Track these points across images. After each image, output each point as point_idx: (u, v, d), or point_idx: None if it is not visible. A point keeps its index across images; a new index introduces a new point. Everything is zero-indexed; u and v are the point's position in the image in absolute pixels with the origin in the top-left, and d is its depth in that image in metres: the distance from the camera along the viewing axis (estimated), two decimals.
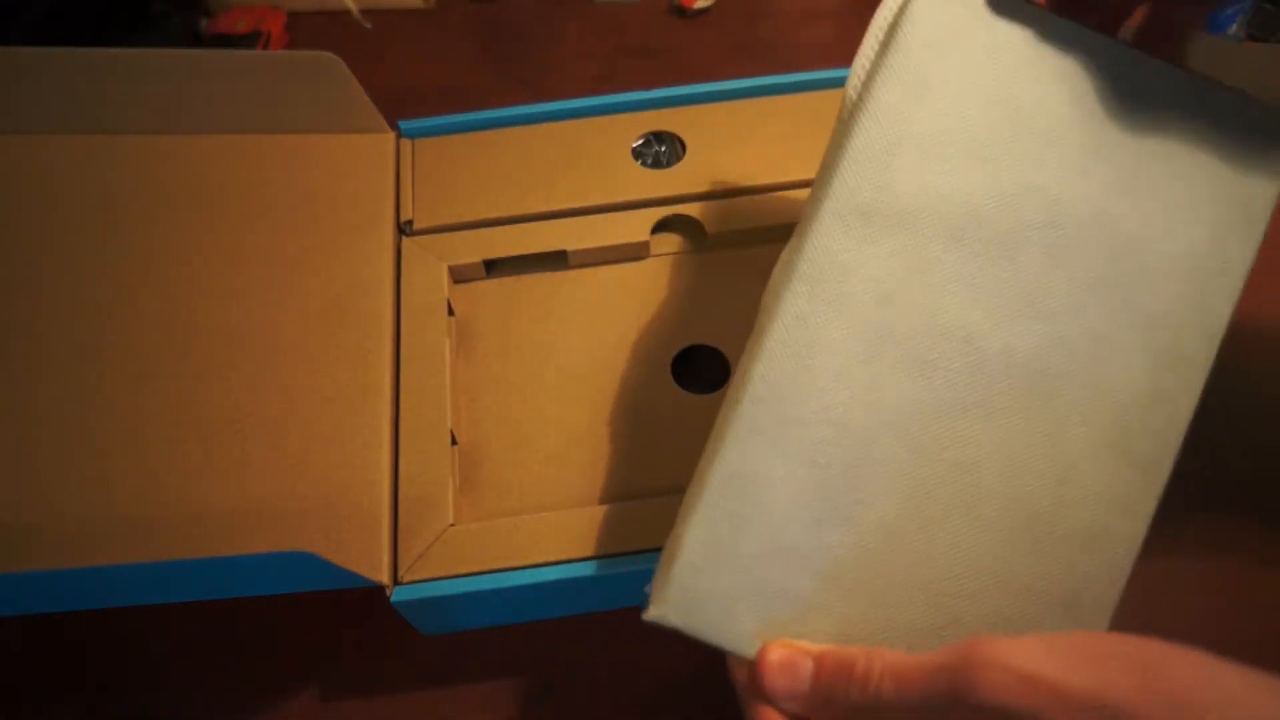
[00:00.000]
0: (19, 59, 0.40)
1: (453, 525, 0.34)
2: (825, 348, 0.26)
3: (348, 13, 0.63)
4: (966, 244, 0.26)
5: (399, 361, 0.37)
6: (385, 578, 0.32)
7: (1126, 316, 0.26)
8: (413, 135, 0.45)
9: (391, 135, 0.44)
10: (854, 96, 0.27)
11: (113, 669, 0.38)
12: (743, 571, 0.25)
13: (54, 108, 0.41)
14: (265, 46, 0.60)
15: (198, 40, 0.60)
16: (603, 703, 0.36)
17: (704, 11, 0.62)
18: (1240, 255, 0.27)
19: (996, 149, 0.27)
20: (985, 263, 0.26)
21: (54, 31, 0.53)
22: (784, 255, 0.27)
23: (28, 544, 0.33)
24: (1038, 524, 0.26)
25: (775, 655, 0.24)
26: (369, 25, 0.63)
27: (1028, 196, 0.27)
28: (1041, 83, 0.27)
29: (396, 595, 0.32)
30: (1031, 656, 0.21)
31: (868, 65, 0.27)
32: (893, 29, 0.27)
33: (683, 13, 0.62)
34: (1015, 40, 0.27)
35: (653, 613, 0.25)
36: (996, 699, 0.20)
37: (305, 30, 0.62)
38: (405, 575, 0.32)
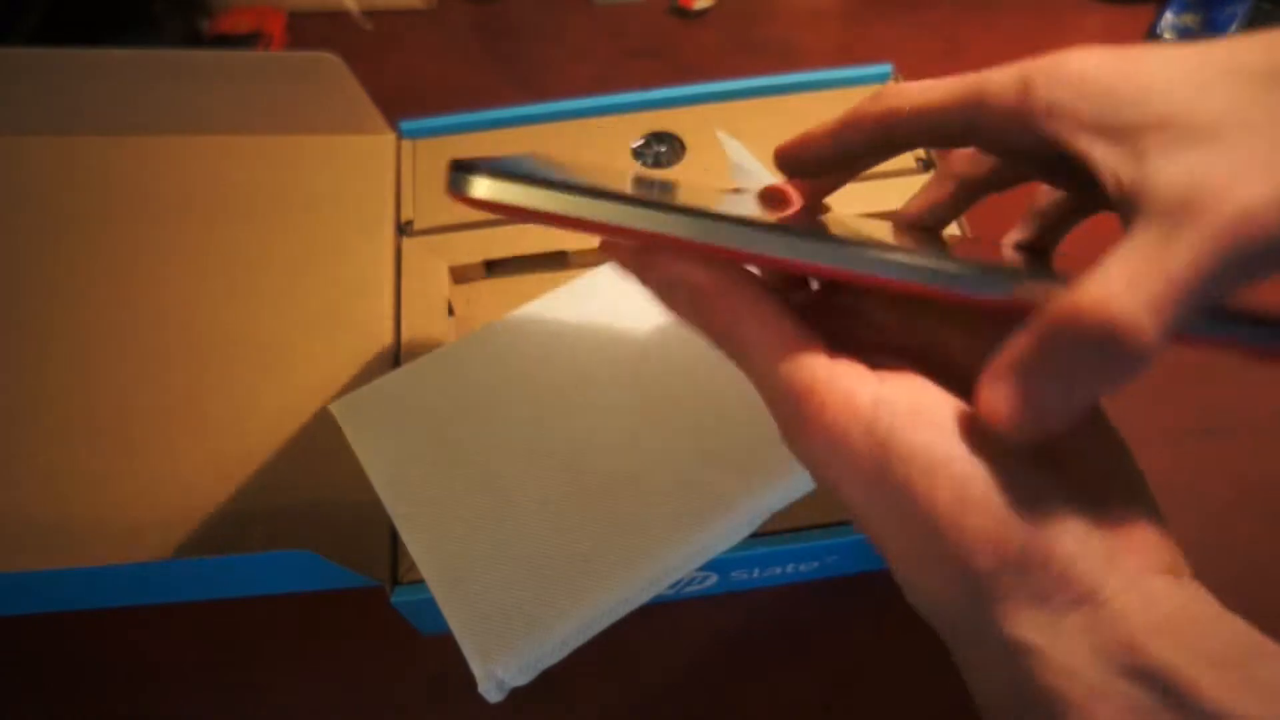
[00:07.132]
0: (19, 59, 0.40)
1: None
2: None
3: (348, 13, 0.63)
4: None
5: (399, 362, 0.37)
6: (385, 578, 0.32)
7: None
8: (413, 135, 0.45)
9: (392, 135, 0.44)
10: None
11: (111, 669, 0.38)
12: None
13: (54, 108, 0.41)
14: (266, 47, 0.60)
15: (198, 40, 0.60)
16: (603, 699, 0.36)
17: (704, 12, 0.62)
18: None
19: None
20: None
21: (54, 32, 0.53)
22: None
23: (27, 544, 0.33)
24: None
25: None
26: (369, 25, 0.63)
27: None
28: None
29: (396, 595, 0.32)
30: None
31: None
32: None
33: (683, 13, 0.62)
34: None
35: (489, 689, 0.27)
36: None
37: (305, 30, 0.62)
38: (405, 575, 0.32)
